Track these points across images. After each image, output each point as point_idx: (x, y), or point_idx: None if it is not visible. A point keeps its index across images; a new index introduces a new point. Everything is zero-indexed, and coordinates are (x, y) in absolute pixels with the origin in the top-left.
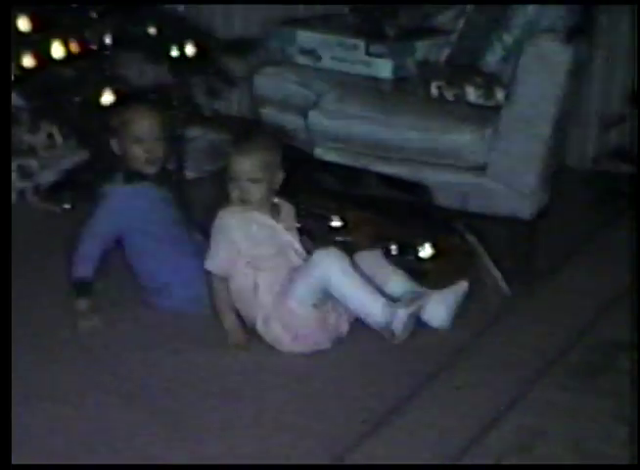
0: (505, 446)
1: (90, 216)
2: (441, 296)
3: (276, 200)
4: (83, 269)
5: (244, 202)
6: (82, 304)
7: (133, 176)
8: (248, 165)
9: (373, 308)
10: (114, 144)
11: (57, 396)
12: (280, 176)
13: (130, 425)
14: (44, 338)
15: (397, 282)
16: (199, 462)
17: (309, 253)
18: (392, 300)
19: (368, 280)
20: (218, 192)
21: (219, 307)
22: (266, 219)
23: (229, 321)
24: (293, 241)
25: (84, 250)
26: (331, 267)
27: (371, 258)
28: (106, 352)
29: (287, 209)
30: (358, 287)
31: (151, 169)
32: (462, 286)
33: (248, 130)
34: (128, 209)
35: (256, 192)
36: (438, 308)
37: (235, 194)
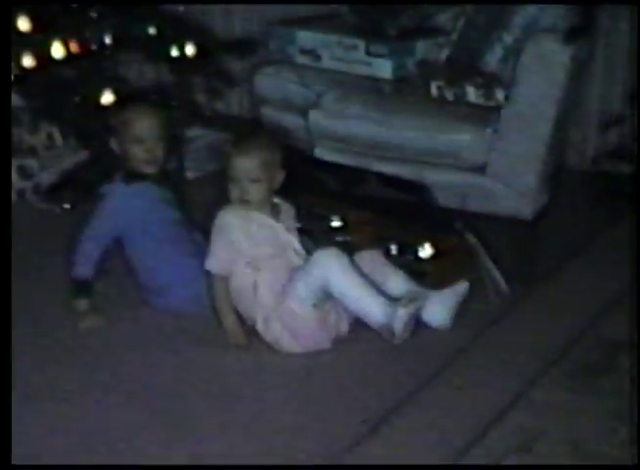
0: (505, 446)
1: (90, 217)
2: (441, 296)
3: (276, 200)
4: (83, 269)
5: (244, 202)
6: (82, 304)
7: (133, 176)
8: (248, 165)
9: (373, 308)
10: (113, 144)
11: (57, 395)
12: (280, 176)
13: (130, 425)
14: (44, 338)
15: (397, 282)
16: (198, 462)
17: (309, 253)
18: (392, 299)
19: (368, 280)
20: (218, 192)
21: (219, 307)
22: (266, 219)
23: (229, 321)
24: (292, 241)
25: (84, 250)
26: (330, 267)
27: (371, 258)
28: (106, 352)
29: (287, 209)
30: (358, 286)
31: (150, 169)
32: (462, 286)
33: (247, 130)
34: (127, 209)
35: (256, 192)
36: (438, 309)
37: (235, 194)
